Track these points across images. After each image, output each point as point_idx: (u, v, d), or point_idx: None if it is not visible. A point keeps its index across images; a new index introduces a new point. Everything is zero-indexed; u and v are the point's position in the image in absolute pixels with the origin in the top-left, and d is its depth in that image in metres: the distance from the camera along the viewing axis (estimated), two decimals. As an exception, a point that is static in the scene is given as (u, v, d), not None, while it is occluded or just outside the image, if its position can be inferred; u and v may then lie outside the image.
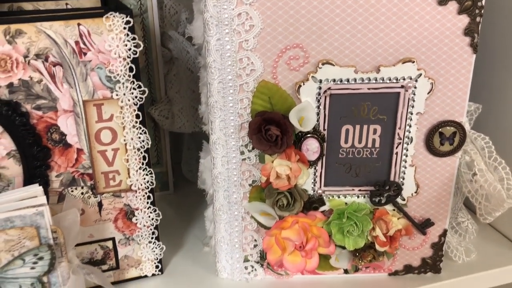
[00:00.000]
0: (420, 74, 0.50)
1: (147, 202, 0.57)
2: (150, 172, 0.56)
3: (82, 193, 0.54)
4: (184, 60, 0.71)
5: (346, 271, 0.60)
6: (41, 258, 0.48)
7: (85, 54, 0.49)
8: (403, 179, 0.55)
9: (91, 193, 0.55)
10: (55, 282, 0.50)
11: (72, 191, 0.54)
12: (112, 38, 0.49)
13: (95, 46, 0.49)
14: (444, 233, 0.59)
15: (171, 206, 0.77)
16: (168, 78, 0.72)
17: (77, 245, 0.56)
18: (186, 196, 0.80)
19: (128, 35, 0.49)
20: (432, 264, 0.60)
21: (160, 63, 0.71)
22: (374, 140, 0.53)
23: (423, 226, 0.57)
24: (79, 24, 0.48)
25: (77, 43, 0.48)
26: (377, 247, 0.55)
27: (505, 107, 0.65)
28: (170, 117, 0.72)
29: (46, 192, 0.52)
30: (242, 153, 0.54)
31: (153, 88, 0.72)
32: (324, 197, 0.56)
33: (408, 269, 0.61)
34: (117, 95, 0.51)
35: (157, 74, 0.71)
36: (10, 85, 0.48)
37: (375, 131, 0.53)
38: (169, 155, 0.77)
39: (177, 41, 0.71)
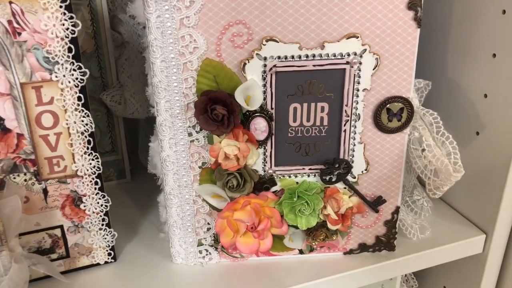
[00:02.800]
0: (365, 50, 0.50)
1: (95, 188, 0.56)
2: (96, 156, 0.54)
3: (25, 180, 0.53)
4: (136, 44, 0.70)
5: (301, 252, 0.60)
6: (-21, 247, 0.46)
7: (19, 34, 0.47)
8: (353, 156, 0.55)
9: (35, 179, 0.53)
10: (-4, 271, 0.48)
11: (14, 178, 0.52)
12: (48, 17, 0.47)
13: (30, 25, 0.47)
14: (396, 210, 0.59)
15: (128, 194, 0.76)
16: (119, 62, 0.70)
17: (24, 234, 0.54)
18: (144, 184, 0.78)
19: (65, 13, 0.48)
20: (386, 242, 0.61)
21: (110, 47, 0.69)
22: (322, 118, 0.53)
23: (375, 203, 0.57)
24: (10, 2, 0.46)
25: (10, 22, 0.46)
26: (329, 225, 0.55)
27: (456, 83, 0.66)
28: (122, 102, 0.71)
29: (-14, 180, 0.50)
30: (190, 134, 0.53)
31: (104, 73, 0.70)
32: (275, 177, 0.55)
33: (362, 247, 0.61)
34: (56, 77, 0.50)
35: (108, 58, 0.70)
36: None
37: (323, 109, 0.52)
38: (124, 142, 0.75)
39: (128, 24, 0.69)
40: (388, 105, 0.52)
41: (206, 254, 0.60)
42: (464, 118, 0.65)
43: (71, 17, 0.48)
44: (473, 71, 0.63)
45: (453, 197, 0.69)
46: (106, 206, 0.57)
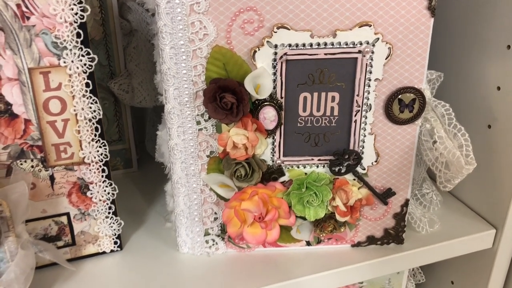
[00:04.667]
0: (378, 39, 0.49)
1: (102, 176, 0.55)
2: (103, 144, 0.54)
3: (32, 166, 0.52)
4: (144, 32, 0.69)
5: (308, 243, 0.60)
6: (-15, 232, 0.46)
7: (28, 18, 0.47)
8: (363, 147, 0.54)
9: (41, 166, 0.53)
10: (2, 257, 0.48)
11: (21, 164, 0.52)
12: (56, 1, 0.47)
13: (39, 9, 0.47)
14: (406, 203, 0.58)
15: (134, 183, 0.76)
16: (127, 51, 0.70)
17: (30, 220, 0.54)
18: (151, 173, 0.78)
19: (74, -2, 0.47)
20: (394, 235, 0.60)
21: (118, 35, 0.69)
22: (332, 108, 0.52)
23: (385, 195, 0.57)
24: (19, -14, 0.45)
25: (18, 6, 0.46)
26: (337, 217, 0.55)
27: (468, 75, 0.65)
28: (130, 91, 0.70)
29: (-7, 165, 0.50)
30: (198, 123, 0.52)
31: (112, 61, 0.70)
32: (284, 167, 0.55)
33: (371, 240, 0.60)
34: (64, 62, 0.49)
35: (116, 46, 0.69)
36: None
37: (333, 99, 0.52)
38: (131, 131, 0.75)
39: (137, 12, 0.69)
40: (400, 96, 0.51)
41: (213, 244, 0.59)
42: (476, 111, 0.64)
43: (80, 2, 0.47)
44: (487, 63, 0.61)
45: (463, 191, 0.69)
46: (113, 194, 0.57)
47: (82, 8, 0.48)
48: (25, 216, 0.50)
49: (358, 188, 0.55)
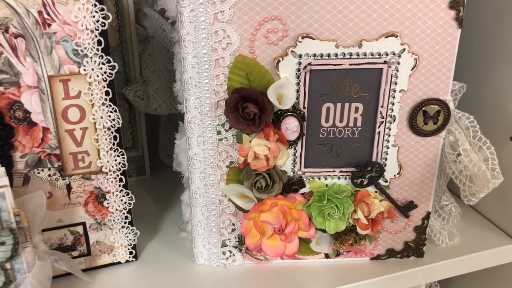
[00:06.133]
0: (404, 49, 0.48)
1: (119, 185, 0.54)
2: (121, 153, 0.53)
3: (49, 175, 0.51)
4: (160, 39, 0.68)
5: (327, 256, 0.59)
6: (2, 243, 0.45)
7: (49, 25, 0.46)
8: (386, 159, 0.53)
9: (59, 175, 0.52)
10: (19, 268, 0.47)
11: (38, 172, 0.51)
12: (78, 8, 0.46)
13: (60, 17, 0.46)
14: (427, 216, 0.57)
15: (147, 191, 0.75)
16: (143, 57, 0.69)
17: (45, 230, 0.53)
18: (164, 181, 0.77)
19: (95, 5, 0.46)
20: (415, 248, 0.59)
21: (134, 42, 0.68)
22: (355, 119, 0.51)
23: (406, 208, 0.56)
24: (41, -8, 0.44)
25: (40, 13, 0.45)
26: (358, 230, 0.54)
27: (490, 86, 0.64)
28: (145, 98, 0.69)
29: (10, 174, 0.49)
30: (218, 132, 0.51)
31: (128, 67, 0.69)
32: (304, 179, 0.54)
33: (390, 253, 0.59)
34: (84, 70, 0.48)
35: (132, 53, 0.68)
36: (-33, 58, 0.45)
37: (357, 110, 0.51)
38: (145, 139, 0.74)
39: (153, 18, 0.68)
40: (424, 107, 0.51)
41: (230, 256, 0.58)
42: (497, 123, 0.63)
43: (102, 9, 0.47)
44: (509, 74, 0.60)
45: (483, 203, 0.67)
46: (129, 203, 0.56)
47: (103, 15, 0.47)
48: (42, 226, 0.49)
49: (380, 201, 0.54)
